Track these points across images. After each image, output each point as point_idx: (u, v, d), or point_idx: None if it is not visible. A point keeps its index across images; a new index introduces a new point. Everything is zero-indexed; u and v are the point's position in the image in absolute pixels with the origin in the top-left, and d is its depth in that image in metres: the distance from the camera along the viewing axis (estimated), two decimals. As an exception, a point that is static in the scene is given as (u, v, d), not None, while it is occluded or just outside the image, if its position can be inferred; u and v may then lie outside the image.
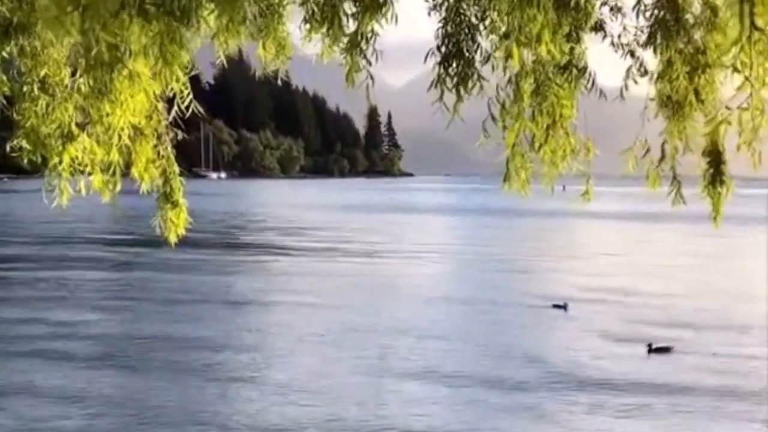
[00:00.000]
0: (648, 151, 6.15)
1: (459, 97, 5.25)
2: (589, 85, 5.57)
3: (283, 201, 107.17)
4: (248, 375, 17.67)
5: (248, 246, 45.98)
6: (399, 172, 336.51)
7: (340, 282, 30.67)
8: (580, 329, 21.32)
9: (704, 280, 33.80)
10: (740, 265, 38.55)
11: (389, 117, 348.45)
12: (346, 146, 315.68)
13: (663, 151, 6.24)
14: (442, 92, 5.22)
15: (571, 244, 50.46)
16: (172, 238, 6.47)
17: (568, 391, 16.72)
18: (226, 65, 6.29)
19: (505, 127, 5.27)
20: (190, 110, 6.28)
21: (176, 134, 6.55)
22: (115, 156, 6.08)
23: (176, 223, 6.54)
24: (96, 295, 26.59)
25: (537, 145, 5.37)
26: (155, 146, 6.38)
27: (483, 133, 5.28)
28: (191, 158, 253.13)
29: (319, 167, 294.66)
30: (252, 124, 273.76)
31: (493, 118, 5.31)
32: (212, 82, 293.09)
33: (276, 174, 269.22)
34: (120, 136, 5.80)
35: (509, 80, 5.28)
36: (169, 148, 6.50)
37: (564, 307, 24.22)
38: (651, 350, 19.33)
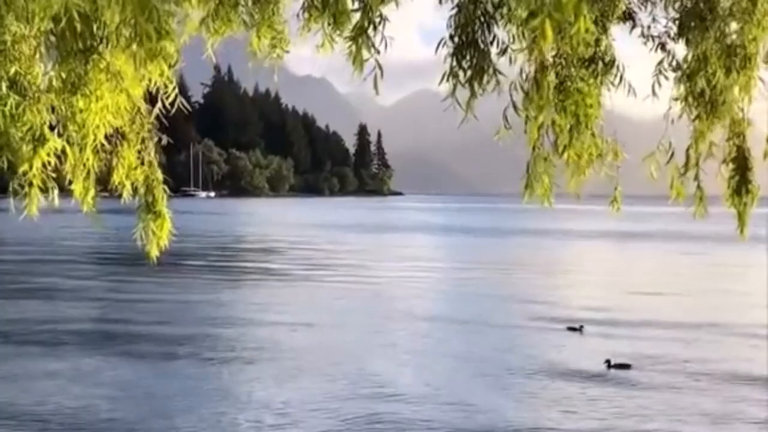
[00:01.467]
0: (672, 155, 5.62)
1: (473, 93, 4.74)
2: (617, 81, 4.93)
3: (272, 220, 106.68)
4: (239, 393, 17.09)
5: (235, 265, 45.42)
6: (389, 192, 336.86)
7: (332, 301, 30.14)
8: (600, 351, 20.16)
9: (710, 300, 33.31)
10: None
11: (379, 136, 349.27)
12: (335, 165, 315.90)
13: (687, 157, 5.69)
14: (455, 87, 4.70)
15: (569, 264, 50.02)
16: (154, 251, 6.02)
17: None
18: (215, 61, 5.63)
19: (527, 120, 4.72)
20: (176, 106, 5.70)
21: (160, 138, 6.04)
22: (90, 158, 5.57)
23: (159, 235, 6.05)
24: (77, 316, 25.96)
25: (561, 147, 4.84)
26: (139, 152, 5.90)
27: (504, 123, 4.73)
28: (180, 178, 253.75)
29: (309, 186, 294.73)
30: (242, 143, 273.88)
31: (515, 107, 4.72)
32: (202, 101, 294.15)
33: (265, 193, 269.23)
34: (95, 135, 5.29)
35: (527, 77, 4.72)
36: (153, 154, 6.01)
37: (579, 329, 23.34)
38: (610, 366, 18.62)
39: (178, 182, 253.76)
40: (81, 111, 5.14)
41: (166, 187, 6.07)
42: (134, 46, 4.80)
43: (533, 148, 4.83)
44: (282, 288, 33.93)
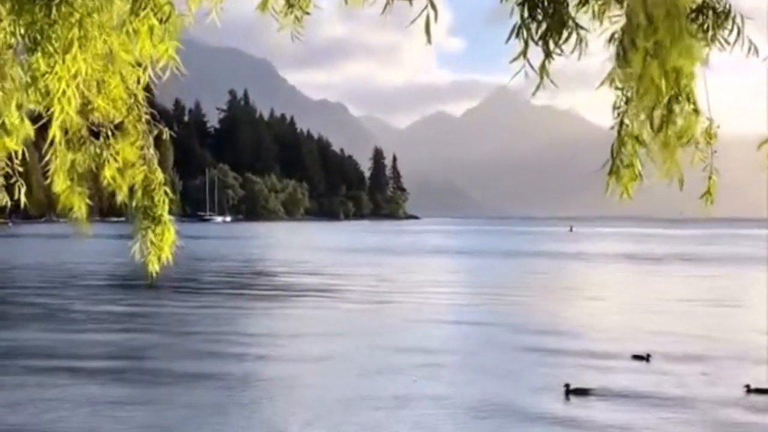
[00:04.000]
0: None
1: (548, 53, 3.71)
2: (732, 36, 3.71)
3: (287, 243, 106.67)
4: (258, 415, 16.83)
5: (253, 288, 45.19)
6: (404, 215, 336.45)
7: (350, 326, 29.85)
8: (672, 384, 19.33)
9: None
10: None
11: (394, 159, 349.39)
12: (350, 189, 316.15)
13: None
14: (526, 45, 3.67)
15: (605, 287, 49.29)
16: (154, 266, 4.98)
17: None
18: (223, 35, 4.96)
19: (617, 88, 3.81)
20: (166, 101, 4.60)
21: (160, 132, 5.02)
22: (60, 140, 4.68)
23: (159, 246, 4.99)
24: (96, 341, 25.81)
25: (657, 123, 3.78)
26: (141, 148, 4.94)
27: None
28: (196, 202, 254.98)
29: (324, 210, 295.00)
30: (257, 167, 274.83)
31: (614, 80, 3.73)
32: (218, 126, 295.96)
33: (281, 217, 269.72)
34: (63, 107, 4.15)
35: (612, 36, 3.75)
36: (152, 150, 5.00)
37: (647, 358, 22.26)
38: (569, 392, 17.86)
39: (194, 207, 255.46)
40: (45, 74, 4.08)
41: (167, 190, 5.07)
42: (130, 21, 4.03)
43: (620, 124, 3.87)
44: (298, 312, 33.65)
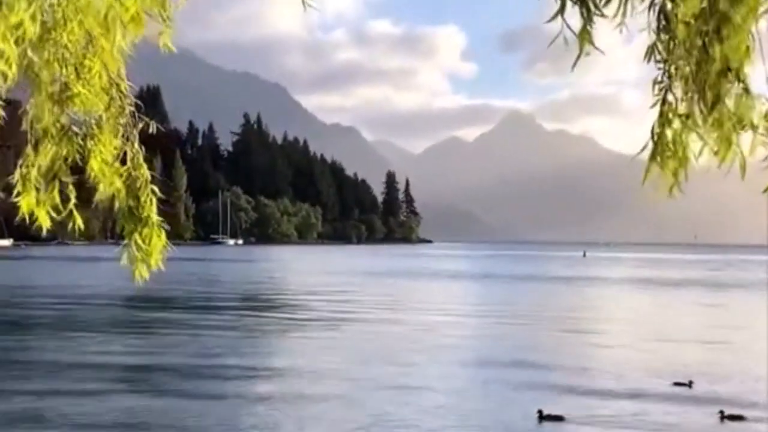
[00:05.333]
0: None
1: (588, 16, 3.31)
2: None
3: (298, 267, 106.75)
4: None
5: (262, 311, 45.10)
6: (417, 239, 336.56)
7: (364, 348, 29.73)
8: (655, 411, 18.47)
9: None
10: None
11: (407, 184, 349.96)
12: (363, 213, 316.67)
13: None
14: (563, 4, 3.29)
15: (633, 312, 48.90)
16: (142, 272, 4.49)
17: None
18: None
19: (657, 61, 3.39)
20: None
21: (147, 125, 4.56)
22: None
23: (146, 250, 4.52)
24: (104, 360, 25.80)
25: (710, 100, 3.32)
26: (124, 142, 4.47)
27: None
28: (209, 225, 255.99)
29: (337, 234, 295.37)
30: (270, 190, 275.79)
31: (654, 49, 3.33)
32: (231, 149, 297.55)
33: (293, 240, 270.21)
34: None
35: (652, 2, 3.34)
36: (136, 145, 4.53)
37: (689, 384, 21.48)
38: (542, 417, 17.59)
39: (207, 230, 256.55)
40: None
41: (155, 189, 4.59)
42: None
43: (662, 102, 3.42)
44: (309, 335, 33.59)
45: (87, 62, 4.23)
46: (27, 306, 45.14)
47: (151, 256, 4.55)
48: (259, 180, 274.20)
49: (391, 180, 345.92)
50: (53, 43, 4.12)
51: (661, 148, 3.42)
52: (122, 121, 4.45)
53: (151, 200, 4.58)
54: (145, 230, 4.56)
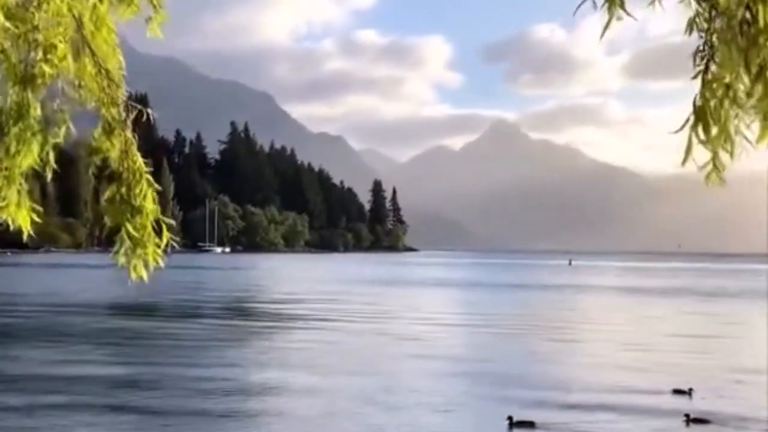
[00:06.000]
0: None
1: None
2: None
3: (285, 275, 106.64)
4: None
5: (249, 318, 45.14)
6: (404, 247, 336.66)
7: (348, 357, 29.75)
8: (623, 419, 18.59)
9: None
10: None
11: (394, 192, 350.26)
12: (350, 221, 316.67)
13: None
14: None
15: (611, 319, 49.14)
16: (139, 270, 4.20)
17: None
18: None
19: (699, 30, 3.21)
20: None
21: (141, 113, 4.32)
22: None
23: (142, 244, 4.18)
24: (94, 366, 25.71)
25: (755, 71, 3.04)
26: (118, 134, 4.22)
27: None
28: (196, 233, 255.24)
29: (324, 242, 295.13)
30: (257, 199, 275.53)
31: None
32: (218, 157, 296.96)
33: (280, 248, 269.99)
34: None
35: None
36: (129, 133, 4.28)
37: (688, 392, 21.38)
38: (513, 424, 17.57)
39: (194, 238, 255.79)
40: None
41: (150, 178, 4.30)
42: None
43: (704, 70, 3.19)
44: (290, 344, 33.60)
45: (59, 45, 4.00)
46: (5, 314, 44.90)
47: (146, 249, 4.18)
48: (246, 188, 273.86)
49: (377, 188, 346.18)
50: (25, 24, 3.96)
51: (703, 120, 3.14)
52: (114, 111, 4.22)
53: (145, 191, 4.24)
54: (139, 220, 4.19)
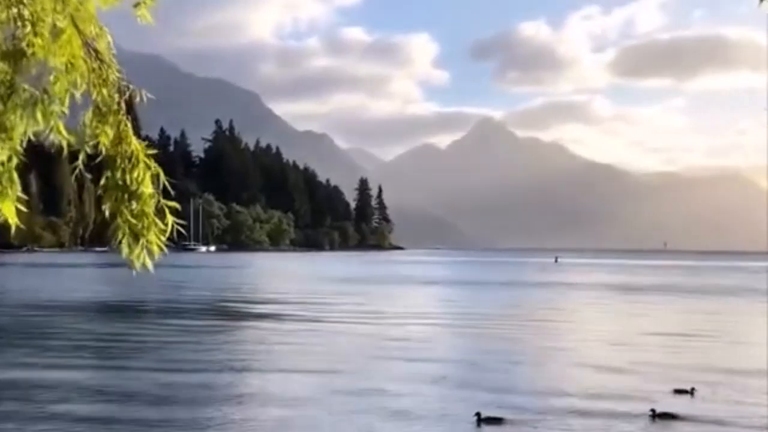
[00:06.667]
0: None
1: None
2: None
3: (270, 274, 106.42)
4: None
5: (239, 315, 45.01)
6: (390, 246, 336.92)
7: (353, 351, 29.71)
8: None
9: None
10: None
11: (380, 190, 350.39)
12: (336, 219, 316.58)
13: None
14: None
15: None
16: (138, 257, 4.05)
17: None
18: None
19: None
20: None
21: (133, 93, 4.11)
22: None
23: (142, 231, 4.05)
24: (81, 362, 25.55)
25: None
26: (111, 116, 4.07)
27: None
28: (180, 232, 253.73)
29: (310, 240, 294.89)
30: (242, 197, 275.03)
31: None
32: (203, 155, 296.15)
33: (266, 247, 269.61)
34: None
35: None
36: (121, 115, 4.10)
37: (690, 391, 20.93)
38: (480, 420, 17.59)
39: (178, 236, 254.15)
40: None
41: (147, 161, 4.12)
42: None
43: None
44: (295, 332, 33.54)
45: (47, 19, 3.82)
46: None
47: (147, 235, 4.03)
48: (231, 187, 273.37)
49: (363, 187, 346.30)
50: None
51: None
52: (105, 92, 4.02)
53: (143, 175, 4.05)
54: (135, 205, 4.01)
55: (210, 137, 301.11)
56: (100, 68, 4.00)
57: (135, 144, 4.08)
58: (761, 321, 42.48)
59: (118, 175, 4.03)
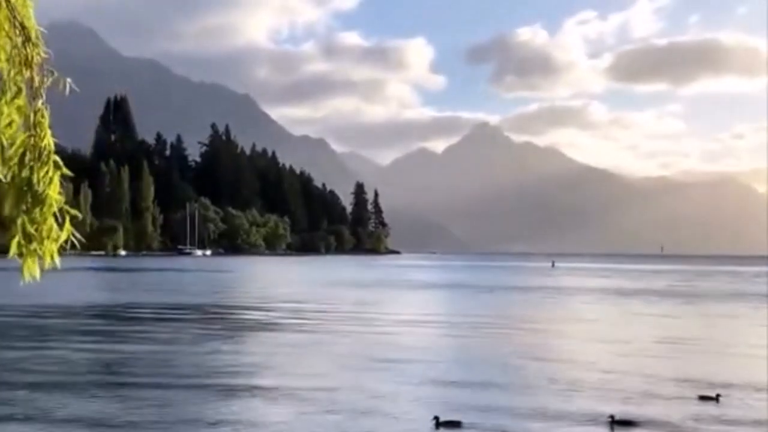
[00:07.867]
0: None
1: None
2: None
3: (265, 278, 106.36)
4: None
5: (234, 320, 44.97)
6: (386, 250, 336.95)
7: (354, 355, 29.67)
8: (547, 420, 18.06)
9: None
10: None
11: (376, 195, 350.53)
12: (332, 223, 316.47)
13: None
14: None
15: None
16: (31, 267, 3.50)
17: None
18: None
19: None
20: None
21: (57, 79, 3.56)
22: None
23: (38, 238, 3.47)
24: (71, 369, 25.49)
25: None
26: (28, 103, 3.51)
27: None
28: (177, 236, 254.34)
29: (306, 244, 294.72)
30: (238, 201, 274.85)
31: None
32: (199, 160, 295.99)
33: (261, 251, 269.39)
34: None
35: None
36: (40, 103, 3.53)
37: (716, 398, 20.76)
38: (439, 424, 17.68)
39: (175, 240, 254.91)
40: None
41: (58, 160, 3.56)
42: None
43: None
44: (292, 336, 33.50)
45: None
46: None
47: (44, 246, 3.49)
48: (227, 191, 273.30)
49: (359, 191, 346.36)
50: None
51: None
52: (27, 74, 3.51)
53: (49, 176, 3.53)
54: (38, 211, 3.49)
55: (206, 141, 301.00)
56: (24, 45, 3.52)
57: (48, 138, 3.55)
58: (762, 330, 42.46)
59: (25, 173, 3.51)
